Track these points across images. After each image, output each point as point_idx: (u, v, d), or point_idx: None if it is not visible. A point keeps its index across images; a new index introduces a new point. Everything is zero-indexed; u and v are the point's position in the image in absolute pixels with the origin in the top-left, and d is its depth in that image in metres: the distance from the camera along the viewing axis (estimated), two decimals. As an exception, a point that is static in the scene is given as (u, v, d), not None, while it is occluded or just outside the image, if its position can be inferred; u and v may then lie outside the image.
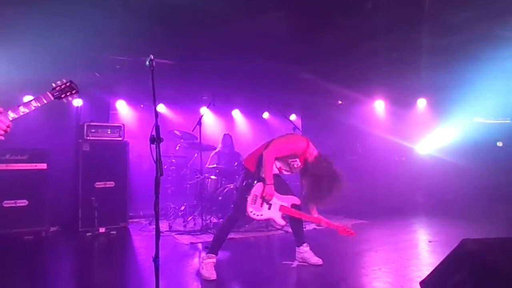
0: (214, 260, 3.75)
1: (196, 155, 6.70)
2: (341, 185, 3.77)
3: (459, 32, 4.82)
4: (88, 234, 5.70)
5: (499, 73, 6.39)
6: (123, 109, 7.91)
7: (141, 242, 5.46)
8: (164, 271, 3.16)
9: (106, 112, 7.55)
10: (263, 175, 3.76)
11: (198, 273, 3.79)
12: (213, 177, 6.49)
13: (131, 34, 4.63)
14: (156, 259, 2.36)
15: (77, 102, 7.02)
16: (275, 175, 3.88)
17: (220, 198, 6.05)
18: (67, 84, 2.61)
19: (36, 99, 2.45)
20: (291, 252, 4.24)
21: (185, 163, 6.95)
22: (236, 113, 9.27)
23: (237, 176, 5.94)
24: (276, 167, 3.98)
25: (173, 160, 6.68)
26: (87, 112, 7.12)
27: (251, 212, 3.75)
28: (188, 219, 6.33)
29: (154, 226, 2.40)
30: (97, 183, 6.03)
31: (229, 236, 4.03)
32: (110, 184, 6.13)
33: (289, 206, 3.93)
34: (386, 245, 5.07)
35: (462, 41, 5.13)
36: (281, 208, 3.89)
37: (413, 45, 5.25)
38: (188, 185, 6.71)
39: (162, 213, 6.47)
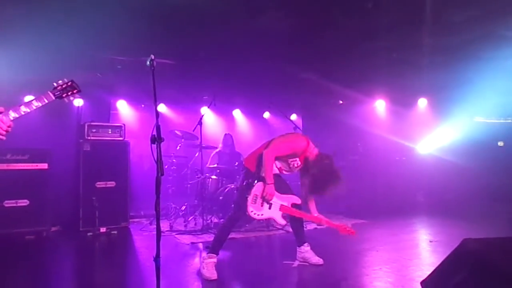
0: (215, 260, 3.76)
1: (197, 154, 6.70)
2: (341, 183, 3.79)
3: (460, 32, 4.81)
4: (89, 234, 5.71)
5: (500, 72, 6.38)
6: (124, 109, 7.92)
7: (142, 242, 5.47)
8: (165, 271, 3.16)
9: (107, 112, 7.55)
10: (263, 175, 3.76)
11: (199, 273, 3.79)
12: (214, 177, 6.49)
13: (132, 34, 4.63)
14: (157, 258, 2.36)
15: (78, 102, 7.03)
16: (275, 175, 3.88)
17: (221, 198, 6.05)
18: (69, 83, 2.60)
19: (37, 98, 2.44)
20: (292, 252, 4.24)
21: (186, 163, 6.96)
22: (237, 113, 9.27)
23: (237, 176, 5.93)
24: (276, 167, 3.98)
25: (174, 160, 6.68)
26: (88, 112, 7.13)
27: (252, 211, 3.76)
28: (189, 219, 6.33)
29: (155, 226, 2.40)
30: (98, 183, 6.04)
31: (230, 236, 4.04)
32: (111, 184, 6.14)
33: (290, 206, 3.94)
34: (387, 244, 5.07)
35: (463, 41, 5.13)
36: (282, 207, 3.89)
37: (414, 45, 5.25)
38: (189, 185, 6.72)
39: (163, 213, 6.46)
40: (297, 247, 4.15)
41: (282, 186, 3.98)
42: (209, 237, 5.25)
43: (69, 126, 6.92)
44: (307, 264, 4.06)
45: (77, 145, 6.25)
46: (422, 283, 2.77)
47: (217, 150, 7.08)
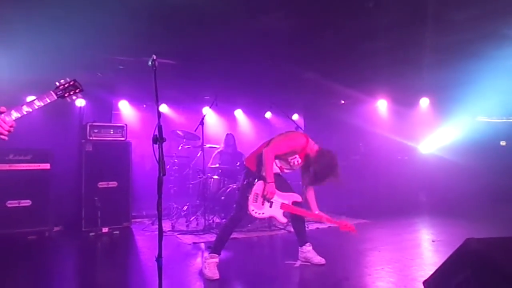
0: (217, 260, 3.76)
1: (199, 154, 6.71)
2: (340, 176, 3.85)
3: (462, 31, 4.79)
4: (91, 234, 5.72)
5: (502, 71, 6.36)
6: (126, 109, 7.94)
7: (144, 242, 5.48)
8: (167, 271, 3.16)
9: (108, 112, 7.57)
10: (263, 174, 3.77)
11: (201, 273, 3.79)
12: (215, 177, 6.49)
13: (133, 34, 4.63)
14: (159, 258, 2.36)
15: (80, 102, 7.05)
16: (276, 174, 3.88)
17: (222, 198, 6.05)
18: (71, 82, 2.59)
19: (40, 98, 2.43)
20: (293, 252, 4.23)
21: (187, 163, 6.96)
22: (239, 113, 9.28)
23: (239, 176, 5.94)
24: (277, 166, 3.99)
25: (176, 160, 6.69)
26: (89, 112, 7.14)
27: (253, 210, 3.76)
28: (191, 219, 6.34)
29: (157, 226, 2.40)
30: (100, 183, 6.05)
31: (231, 236, 4.04)
32: (113, 184, 6.15)
33: (291, 204, 3.94)
34: (389, 244, 5.06)
35: (464, 40, 5.11)
36: (283, 205, 3.89)
37: (415, 44, 5.23)
38: (190, 185, 6.72)
39: (165, 213, 6.44)
40: (299, 247, 4.15)
41: (282, 184, 3.99)
42: (211, 237, 5.25)
43: (71, 126, 6.95)
44: (309, 264, 4.05)
45: (79, 145, 6.27)
46: (424, 283, 2.76)
47: (219, 150, 7.08)
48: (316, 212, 4.05)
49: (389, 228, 6.15)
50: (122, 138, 6.39)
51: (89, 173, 6.01)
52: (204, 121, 6.10)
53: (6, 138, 2.33)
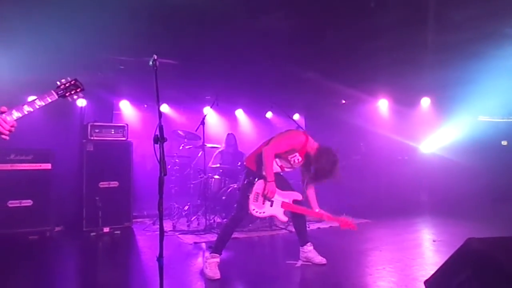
0: (218, 259, 3.76)
1: (200, 154, 6.71)
2: (340, 176, 3.87)
3: (463, 30, 4.79)
4: (92, 234, 5.73)
5: (504, 71, 6.35)
6: (127, 109, 7.94)
7: (145, 241, 5.48)
8: (168, 271, 3.16)
9: (109, 112, 7.57)
10: (264, 173, 3.77)
11: (202, 273, 3.79)
12: (216, 176, 6.49)
13: (133, 34, 4.63)
14: (160, 258, 2.36)
15: (81, 102, 7.06)
16: (276, 173, 3.88)
17: (223, 197, 6.05)
18: (72, 82, 2.58)
19: (41, 97, 2.43)
20: (295, 252, 4.23)
21: (188, 162, 6.97)
22: (240, 113, 9.28)
23: (240, 176, 5.94)
24: (278, 165, 3.99)
25: (177, 160, 6.69)
26: (90, 112, 7.15)
27: (254, 209, 3.76)
28: (192, 219, 6.34)
29: (158, 226, 2.40)
30: (101, 183, 6.06)
31: (233, 236, 4.03)
32: (114, 184, 6.16)
33: (291, 202, 3.94)
34: (390, 244, 5.06)
35: (465, 40, 5.10)
36: (283, 204, 3.90)
37: (416, 44, 5.23)
38: (191, 185, 6.73)
39: (166, 213, 6.46)
40: (300, 247, 4.15)
41: (283, 183, 3.99)
42: (212, 237, 5.25)
43: (72, 126, 6.95)
44: (310, 263, 4.05)
45: (80, 145, 6.27)
46: (425, 282, 2.76)
47: (220, 149, 7.09)
48: (317, 210, 4.05)
49: (390, 228, 6.15)
50: (123, 138, 6.39)
51: (90, 173, 6.01)
52: (205, 121, 6.10)
53: (7, 138, 2.32)
